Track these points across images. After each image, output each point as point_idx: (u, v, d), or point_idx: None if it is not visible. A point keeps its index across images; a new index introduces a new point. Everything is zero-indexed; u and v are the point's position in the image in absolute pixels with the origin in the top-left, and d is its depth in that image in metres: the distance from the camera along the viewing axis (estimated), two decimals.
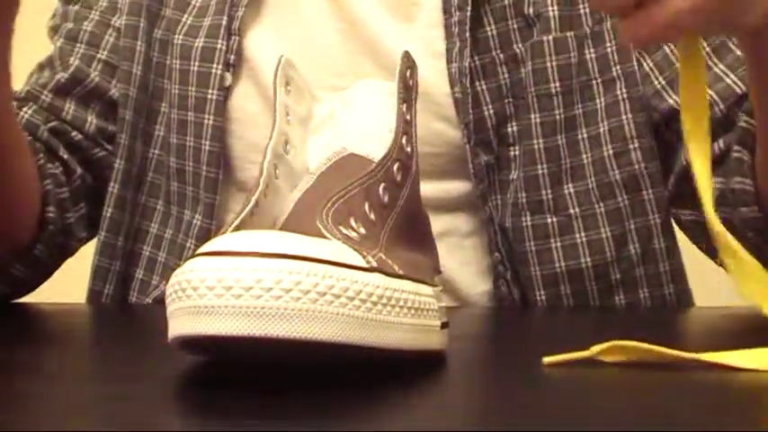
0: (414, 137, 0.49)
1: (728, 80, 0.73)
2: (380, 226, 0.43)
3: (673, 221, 0.77)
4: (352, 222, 0.42)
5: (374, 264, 0.37)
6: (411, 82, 0.49)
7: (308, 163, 0.49)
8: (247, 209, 0.42)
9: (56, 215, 0.75)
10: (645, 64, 0.76)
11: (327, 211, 0.41)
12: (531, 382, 0.38)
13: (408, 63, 0.49)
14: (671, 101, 0.75)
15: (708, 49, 0.75)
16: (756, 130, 0.65)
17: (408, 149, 0.47)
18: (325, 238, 0.38)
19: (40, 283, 0.78)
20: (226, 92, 0.78)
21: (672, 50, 0.75)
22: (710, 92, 0.72)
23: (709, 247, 0.72)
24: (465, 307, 0.75)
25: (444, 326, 0.44)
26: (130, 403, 0.35)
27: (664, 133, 0.76)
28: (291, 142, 0.48)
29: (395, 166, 0.46)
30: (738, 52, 0.74)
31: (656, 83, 0.75)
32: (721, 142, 0.72)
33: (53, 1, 0.88)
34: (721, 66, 0.74)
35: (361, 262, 0.37)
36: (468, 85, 0.74)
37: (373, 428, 0.31)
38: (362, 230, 0.42)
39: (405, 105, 0.48)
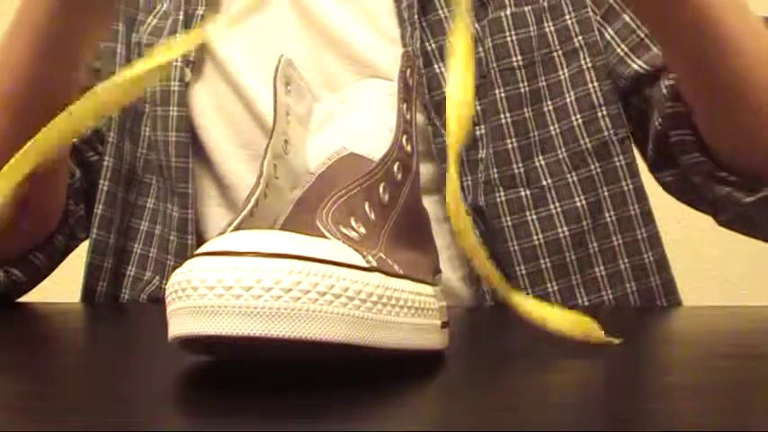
0: (414, 136, 0.49)
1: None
2: (381, 225, 0.43)
3: (646, 189, 0.78)
4: (353, 222, 0.42)
5: (374, 263, 0.37)
6: (411, 81, 0.49)
7: (307, 163, 0.49)
8: (247, 209, 0.42)
9: (74, 207, 0.77)
10: (606, 33, 0.77)
11: (327, 211, 0.41)
12: (532, 381, 0.38)
13: (408, 63, 0.49)
14: (635, 66, 0.76)
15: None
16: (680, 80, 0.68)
17: (409, 149, 0.47)
18: (326, 237, 0.38)
19: (40, 281, 0.78)
20: (186, 85, 0.79)
21: (632, 18, 0.77)
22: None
23: (696, 202, 0.74)
24: (465, 306, 0.74)
25: (444, 325, 0.44)
26: (130, 403, 0.35)
27: (633, 100, 0.77)
28: (291, 142, 0.48)
29: (395, 166, 0.46)
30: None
31: (618, 50, 0.77)
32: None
33: None
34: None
35: (361, 262, 0.37)
36: (422, 67, 0.75)
37: (373, 428, 0.31)
38: (363, 230, 0.42)
39: (405, 105, 0.48)
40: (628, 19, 0.77)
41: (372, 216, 0.43)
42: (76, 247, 0.83)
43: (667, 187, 0.78)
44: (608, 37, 0.77)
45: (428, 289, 0.42)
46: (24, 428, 0.31)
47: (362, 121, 0.50)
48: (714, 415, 0.33)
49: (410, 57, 0.50)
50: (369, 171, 0.44)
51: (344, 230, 0.40)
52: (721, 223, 0.72)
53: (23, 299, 0.77)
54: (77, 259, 0.83)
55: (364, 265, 0.37)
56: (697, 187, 0.71)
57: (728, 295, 1.54)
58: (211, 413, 0.33)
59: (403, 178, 0.46)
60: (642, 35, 0.77)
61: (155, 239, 0.81)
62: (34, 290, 0.79)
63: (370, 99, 0.50)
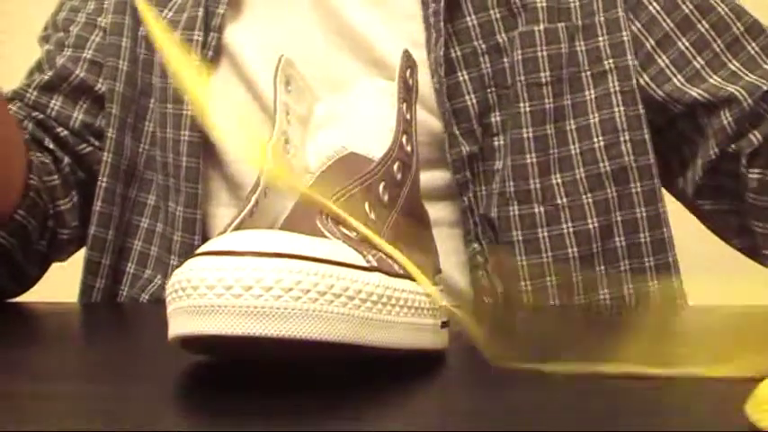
0: (414, 136, 0.49)
1: (750, 78, 0.74)
2: (381, 225, 0.43)
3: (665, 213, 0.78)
4: (353, 222, 0.42)
5: (374, 263, 0.37)
6: (411, 81, 0.49)
7: (308, 162, 0.49)
8: (247, 209, 0.42)
9: (38, 182, 0.76)
10: (660, 61, 0.77)
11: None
12: (531, 381, 0.38)
13: (409, 63, 0.49)
14: (694, 93, 0.75)
15: (721, 45, 0.76)
16: None
17: (408, 148, 0.47)
18: (326, 237, 0.38)
19: (36, 274, 0.78)
20: None
21: (687, 47, 0.77)
22: (735, 87, 0.74)
23: (732, 238, 0.74)
24: (465, 306, 0.74)
25: (444, 325, 0.44)
26: (130, 403, 0.35)
27: (681, 125, 0.77)
28: (291, 142, 0.48)
29: (395, 166, 0.46)
30: (752, 50, 0.75)
31: (674, 79, 0.76)
32: (757, 134, 0.73)
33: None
34: (736, 63, 0.75)
35: (361, 261, 0.37)
36: (443, 75, 0.74)
37: (373, 428, 0.31)
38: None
39: (405, 105, 0.48)
40: (683, 48, 0.76)
41: (372, 216, 0.43)
42: (69, 237, 0.81)
43: (704, 214, 0.78)
44: (662, 64, 0.77)
45: None
46: (25, 429, 0.31)
47: (362, 121, 0.49)
48: (714, 414, 0.33)
49: (410, 56, 0.50)
50: (369, 171, 0.44)
51: (344, 230, 0.40)
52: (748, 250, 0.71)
53: (23, 298, 0.77)
54: (76, 259, 0.83)
55: (364, 264, 0.37)
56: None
57: (729, 294, 1.54)
58: (211, 413, 0.33)
59: (403, 178, 0.46)
60: (698, 66, 0.76)
61: (156, 237, 0.81)
62: (34, 290, 0.79)
63: (371, 98, 0.50)
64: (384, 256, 0.39)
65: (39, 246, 0.77)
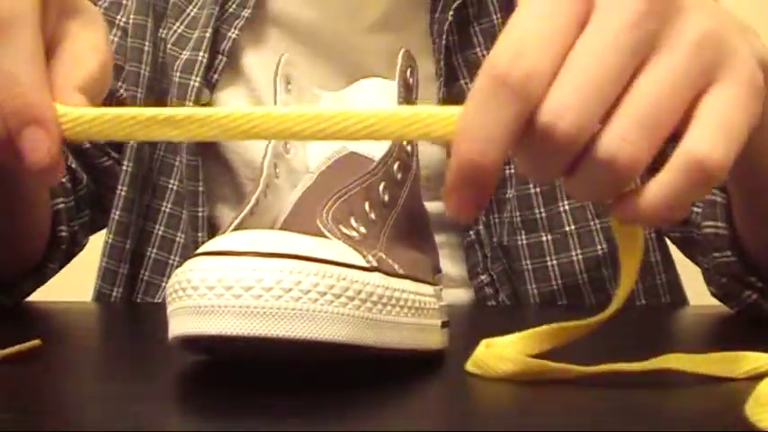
0: None
1: None
2: (381, 225, 0.43)
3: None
4: (353, 221, 0.42)
5: (374, 263, 0.37)
6: (411, 81, 0.49)
7: (308, 162, 0.49)
8: (247, 208, 0.42)
9: (67, 234, 0.75)
10: None
11: (327, 211, 0.41)
12: (531, 381, 0.38)
13: (408, 62, 0.49)
14: None
15: None
16: (733, 203, 0.62)
17: (409, 148, 0.47)
18: (326, 237, 0.38)
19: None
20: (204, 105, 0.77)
21: None
22: None
23: (701, 262, 0.71)
24: (465, 306, 0.74)
25: (445, 325, 0.44)
26: (130, 403, 0.35)
27: None
28: (292, 141, 0.48)
29: (395, 165, 0.46)
30: None
31: None
32: None
33: None
34: None
35: (361, 261, 0.37)
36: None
37: (373, 428, 0.31)
38: (363, 230, 0.42)
39: (405, 105, 0.48)
40: None
41: (372, 215, 0.43)
42: (79, 252, 0.81)
43: (675, 242, 0.76)
44: None
45: (428, 289, 0.42)
46: (26, 428, 0.31)
47: None
48: (714, 414, 0.33)
49: (410, 56, 0.50)
50: (369, 170, 0.44)
51: (345, 230, 0.40)
52: (712, 293, 0.68)
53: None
54: (80, 258, 0.82)
55: (364, 264, 0.37)
56: (721, 287, 0.67)
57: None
58: (211, 413, 0.33)
59: (403, 178, 0.46)
60: None
61: (177, 248, 0.80)
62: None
63: (370, 99, 0.50)
64: (384, 256, 0.39)
65: (47, 279, 0.77)
